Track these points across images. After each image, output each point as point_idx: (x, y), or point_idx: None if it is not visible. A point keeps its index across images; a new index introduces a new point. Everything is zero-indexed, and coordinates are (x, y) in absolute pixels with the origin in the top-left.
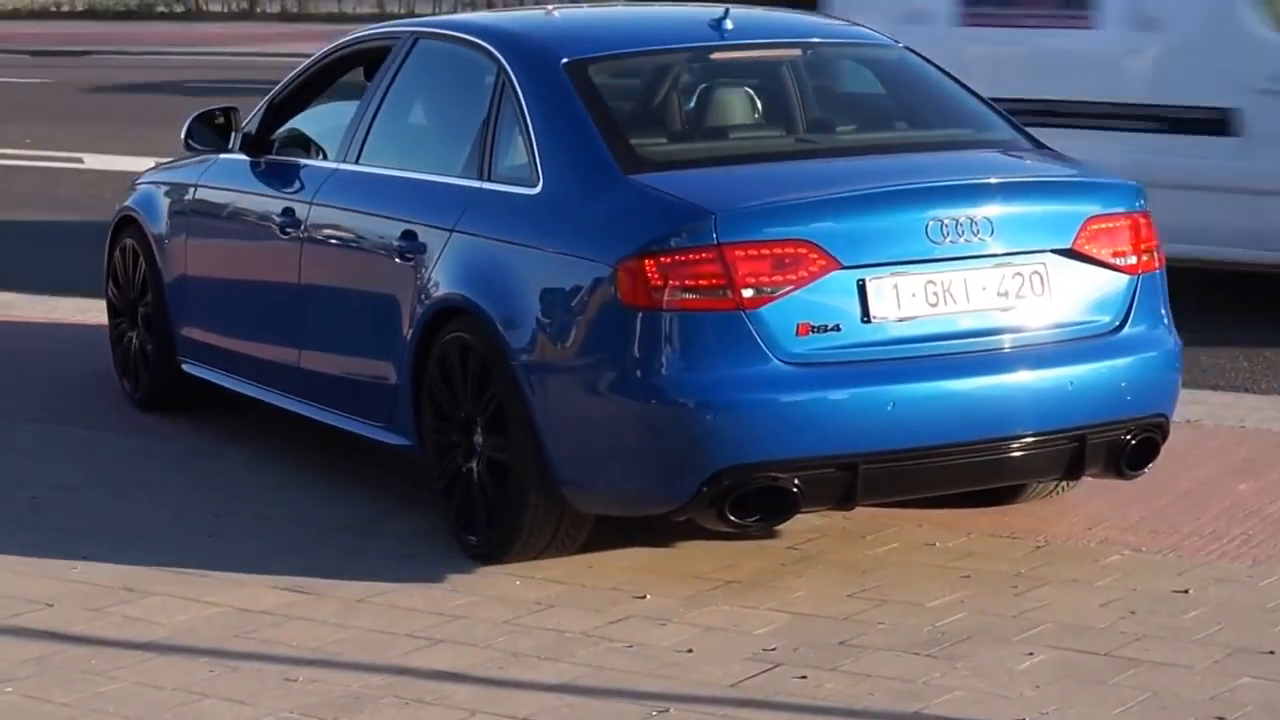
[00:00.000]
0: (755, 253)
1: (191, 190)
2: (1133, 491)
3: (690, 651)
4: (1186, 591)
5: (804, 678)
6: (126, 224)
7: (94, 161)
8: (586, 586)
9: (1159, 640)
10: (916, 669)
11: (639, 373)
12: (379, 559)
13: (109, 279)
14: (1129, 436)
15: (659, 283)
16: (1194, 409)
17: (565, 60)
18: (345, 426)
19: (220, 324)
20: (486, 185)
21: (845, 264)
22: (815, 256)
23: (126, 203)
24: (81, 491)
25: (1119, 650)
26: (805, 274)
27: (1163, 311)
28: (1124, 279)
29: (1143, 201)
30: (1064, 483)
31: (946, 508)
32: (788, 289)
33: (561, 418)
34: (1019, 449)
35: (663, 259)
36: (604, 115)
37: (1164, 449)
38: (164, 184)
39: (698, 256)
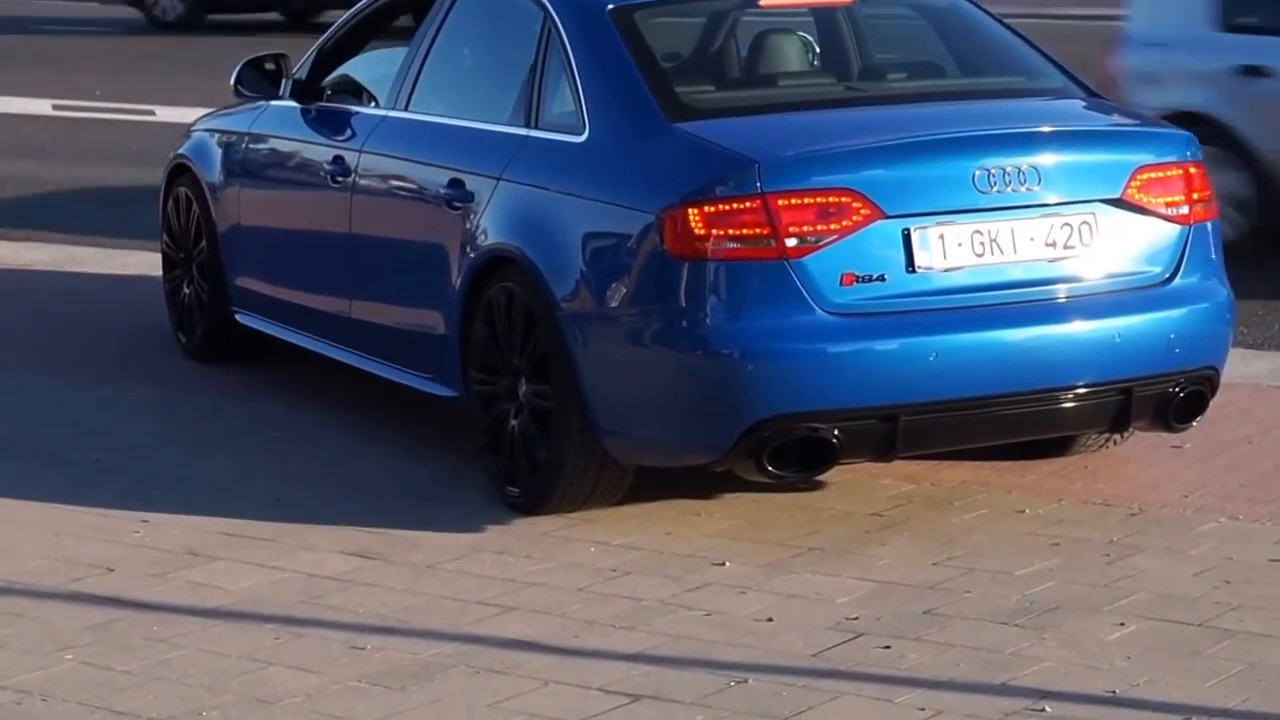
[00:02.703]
0: (799, 202)
1: (243, 137)
2: (1231, 459)
3: (770, 620)
4: None
5: (887, 648)
6: (180, 172)
7: (166, 114)
8: (664, 553)
9: (1254, 611)
10: (1004, 639)
11: (681, 322)
12: (451, 524)
13: (163, 230)
14: (1177, 389)
15: (703, 232)
16: None
17: (611, 6)
18: (394, 378)
19: (272, 273)
20: (534, 133)
21: (890, 213)
22: (860, 206)
23: (179, 150)
24: (147, 453)
25: (1213, 621)
26: (849, 223)
27: (1215, 263)
28: (1175, 229)
29: (1195, 150)
30: (1115, 436)
31: (1036, 473)
32: (832, 238)
33: (603, 367)
34: (1063, 401)
35: (707, 208)
36: (650, 62)
37: (1265, 414)
38: (216, 131)
39: (741, 205)
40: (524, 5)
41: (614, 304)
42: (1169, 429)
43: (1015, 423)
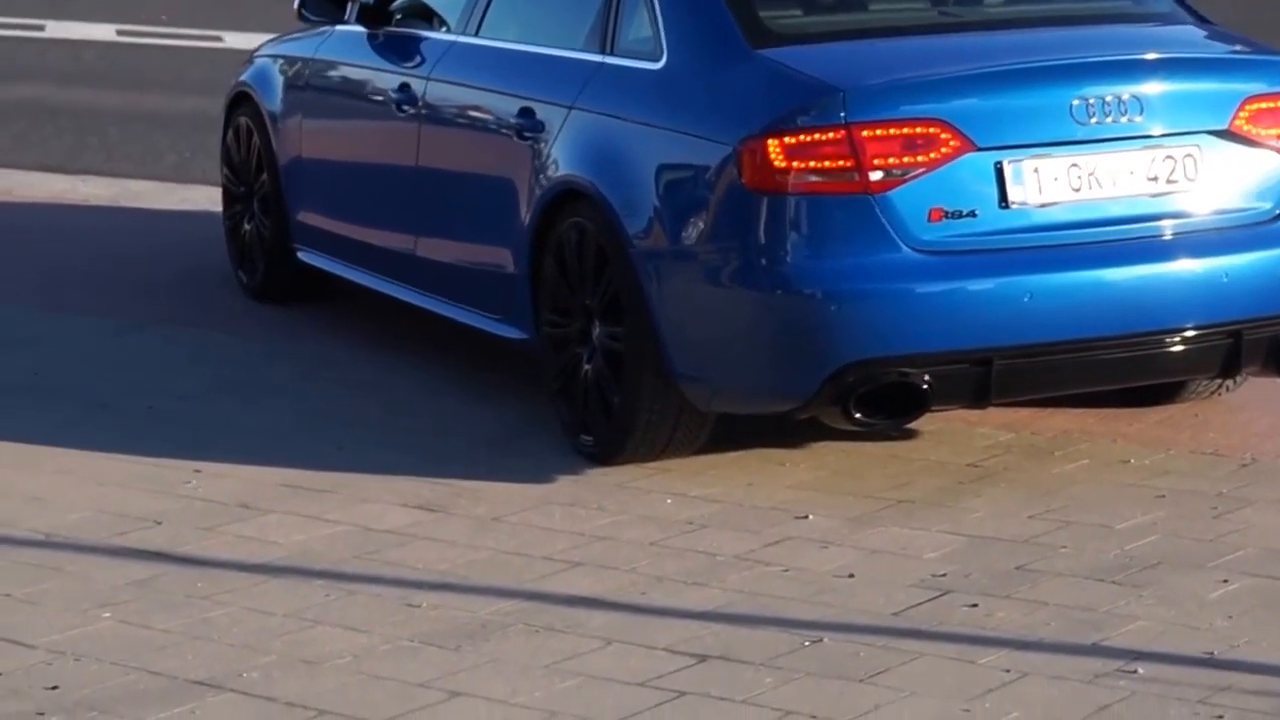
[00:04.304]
0: (885, 133)
1: (306, 64)
2: None
3: (851, 576)
4: None
5: (974, 606)
6: (241, 101)
7: (234, 40)
8: (744, 506)
9: None
10: (1099, 597)
11: (761, 260)
12: (520, 475)
13: (223, 162)
14: None
15: (784, 164)
16: None
17: None
18: (462, 319)
19: (335, 208)
20: (608, 59)
21: (981, 145)
22: (949, 137)
23: (241, 78)
24: (203, 400)
25: None
26: (938, 156)
27: None
28: None
29: None
30: (1227, 383)
31: (1143, 421)
32: (919, 172)
33: (679, 307)
34: (1169, 345)
35: (787, 139)
36: None
37: None
38: (279, 57)
39: (824, 136)
40: None
41: (690, 241)
42: None
43: (1117, 368)
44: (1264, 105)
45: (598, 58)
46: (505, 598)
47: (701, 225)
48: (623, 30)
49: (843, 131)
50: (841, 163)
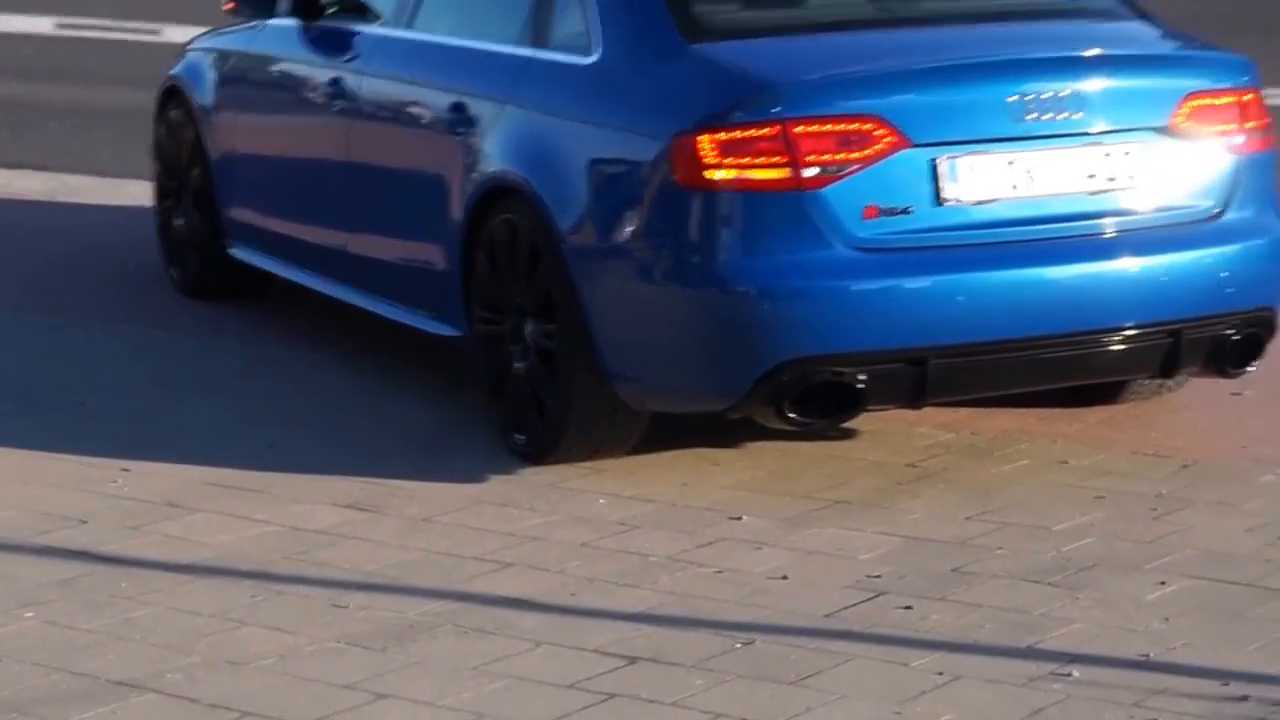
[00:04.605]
0: (819, 129)
1: (238, 58)
2: None
3: (785, 578)
4: None
5: (908, 608)
6: (172, 95)
7: (173, 33)
8: (678, 506)
9: None
10: (1035, 599)
11: (694, 257)
12: (452, 474)
13: (155, 157)
14: (1231, 332)
15: (717, 161)
16: None
17: None
18: (394, 317)
19: (267, 204)
20: (540, 53)
21: (916, 142)
22: (884, 133)
23: (172, 71)
24: (135, 397)
25: (1262, 580)
26: (873, 152)
27: (1271, 196)
28: (1227, 160)
29: (1251, 76)
30: (1168, 383)
31: (1083, 421)
32: (854, 168)
33: (611, 305)
34: (1107, 344)
35: (721, 135)
36: None
37: None
38: (211, 51)
39: (758, 132)
40: None
41: (623, 238)
42: (1223, 374)
43: (1055, 367)
44: (1204, 102)
45: (530, 52)
46: (434, 599)
47: (634, 222)
48: (555, 24)
49: (777, 127)
50: (775, 159)
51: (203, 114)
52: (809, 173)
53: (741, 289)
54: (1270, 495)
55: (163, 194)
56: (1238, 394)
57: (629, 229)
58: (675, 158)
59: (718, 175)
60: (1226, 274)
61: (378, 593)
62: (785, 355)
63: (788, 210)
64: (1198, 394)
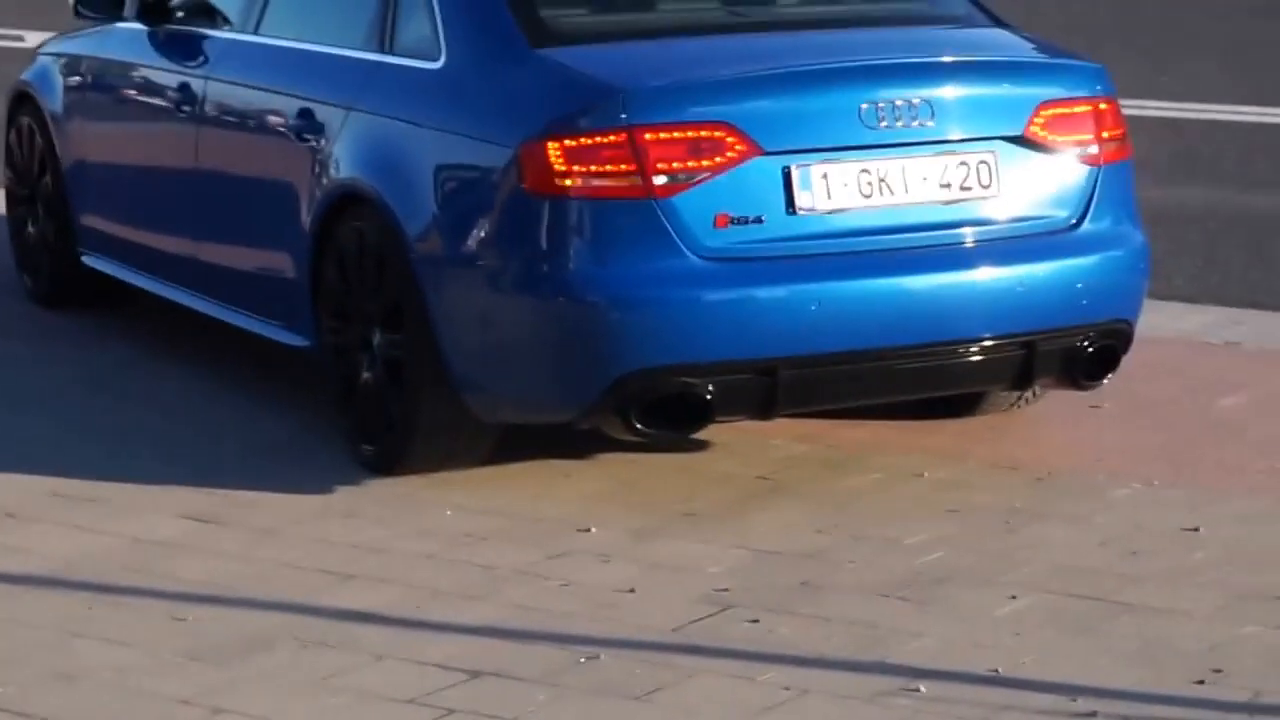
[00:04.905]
0: (668, 136)
1: (87, 62)
2: (1154, 420)
3: (632, 591)
4: (1197, 530)
5: (756, 621)
6: (23, 100)
7: (36, 39)
8: (527, 518)
9: (1159, 583)
10: (884, 613)
11: (542, 266)
12: (300, 485)
13: (6, 163)
14: (1085, 344)
15: (564, 168)
16: (1235, 330)
17: None
18: (245, 325)
19: (119, 212)
20: (387, 59)
21: (768, 150)
22: (735, 141)
23: (22, 76)
24: None
25: (1114, 594)
26: (723, 160)
27: (1128, 207)
28: (1083, 170)
29: (1107, 85)
30: (1026, 395)
31: (940, 434)
32: (704, 176)
33: (459, 315)
34: (960, 355)
35: (568, 142)
36: None
37: (1195, 371)
38: (61, 56)
39: (605, 139)
40: None
41: (470, 246)
42: (1077, 386)
43: (907, 378)
44: (1060, 111)
45: (376, 57)
46: (276, 611)
47: (482, 230)
48: (402, 28)
49: (624, 134)
50: (623, 166)
51: (53, 120)
52: (658, 181)
53: (589, 298)
54: (1123, 509)
55: (15, 201)
56: (1096, 406)
57: (477, 237)
58: (523, 165)
59: (566, 183)
60: (1082, 285)
61: (218, 605)
62: (632, 365)
63: (636, 219)
64: (1056, 406)
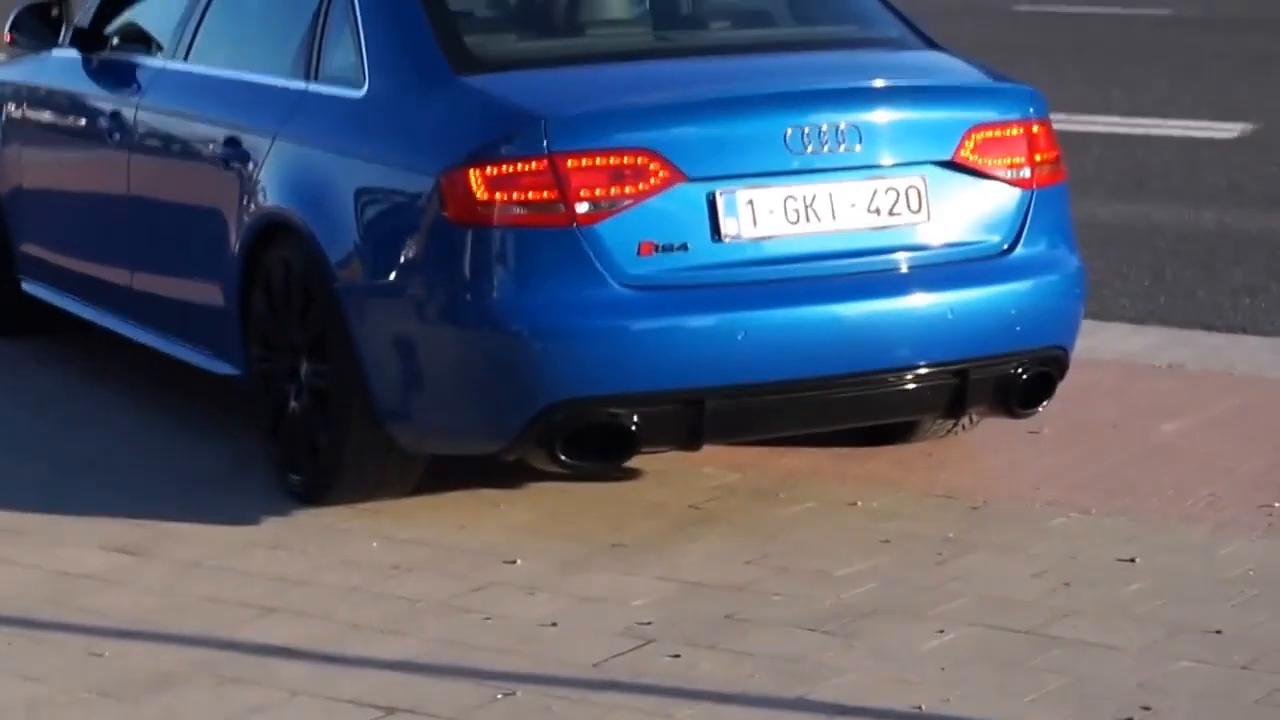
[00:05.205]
0: (590, 163)
1: (23, 90)
2: (1092, 445)
3: (555, 625)
4: (1133, 560)
5: (677, 656)
6: None
7: None
8: (453, 549)
9: (1092, 616)
10: (808, 647)
11: (465, 296)
12: (227, 516)
13: None
14: (1019, 371)
15: (486, 196)
16: (1179, 351)
17: None
18: (177, 354)
19: (56, 239)
20: (312, 86)
21: (692, 176)
22: (658, 167)
23: None
24: None
25: (1044, 628)
26: (646, 187)
27: (1063, 231)
28: (1015, 194)
29: (1039, 108)
30: (963, 421)
31: (876, 461)
32: (627, 204)
33: (383, 344)
34: (891, 384)
35: (489, 169)
36: (439, 7)
37: (1135, 395)
38: None
39: (526, 167)
40: None
41: (394, 276)
42: (1012, 414)
43: (837, 409)
44: (990, 134)
45: (302, 84)
46: (194, 646)
47: (405, 259)
48: (327, 55)
49: (545, 161)
50: (545, 194)
51: None
52: (581, 208)
53: (513, 328)
54: (1058, 539)
55: None
56: (1035, 432)
57: (400, 266)
58: (445, 193)
59: (488, 211)
60: (1015, 311)
61: (137, 640)
62: (556, 396)
63: (559, 247)
64: (994, 432)
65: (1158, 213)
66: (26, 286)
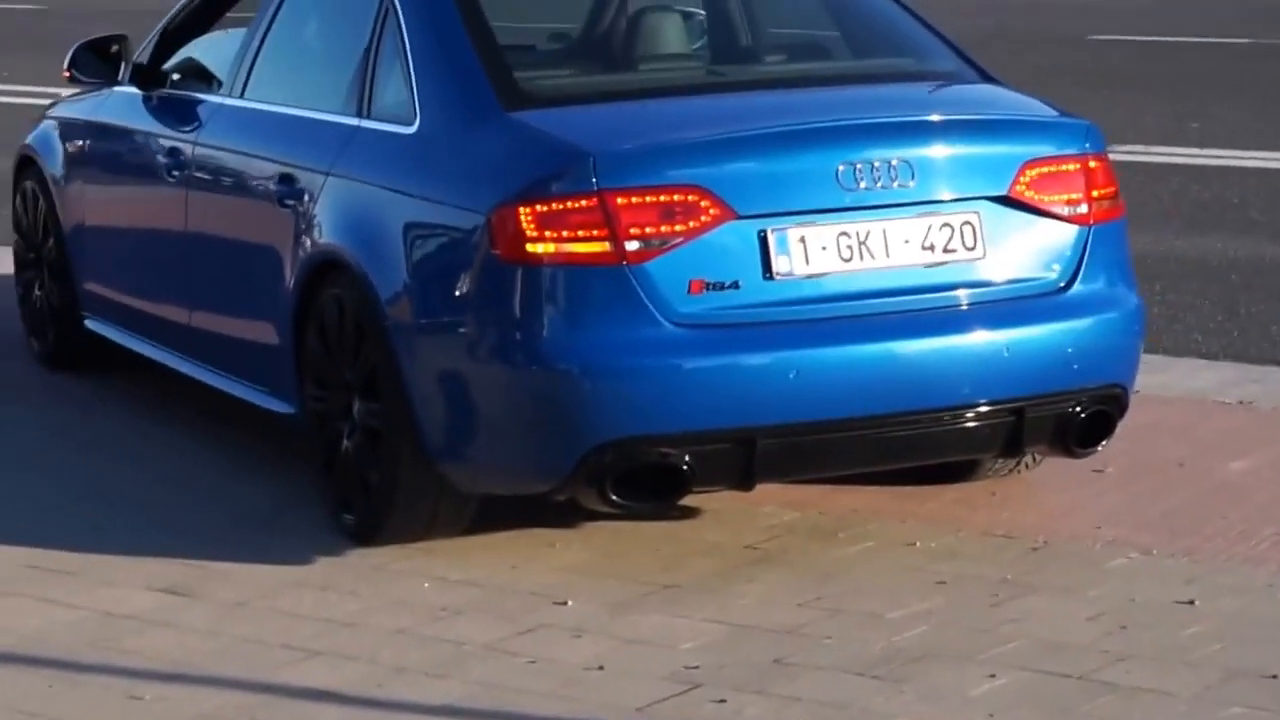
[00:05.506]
0: (640, 200)
1: (84, 127)
2: (1157, 484)
3: (601, 669)
4: (1192, 603)
5: (723, 701)
6: (27, 164)
7: None
8: (505, 590)
9: (1146, 660)
10: (856, 692)
11: (514, 334)
12: (277, 555)
13: (14, 227)
14: (1077, 409)
15: (535, 234)
16: (1251, 388)
17: None
18: (233, 392)
19: (117, 276)
20: (364, 123)
21: (743, 213)
22: (708, 205)
23: (26, 140)
24: None
25: (1097, 672)
26: (697, 224)
27: (1121, 267)
28: (1072, 230)
29: (1096, 142)
30: (1026, 460)
31: (938, 500)
32: (678, 241)
33: (434, 383)
34: (945, 423)
35: (539, 207)
36: (489, 42)
37: (1204, 432)
38: (61, 120)
39: (576, 204)
40: None
41: (444, 314)
42: (1071, 454)
43: (891, 447)
44: (1046, 170)
45: (354, 121)
46: (235, 689)
47: (455, 298)
48: (379, 92)
49: (595, 199)
50: (595, 232)
51: (54, 184)
52: (631, 246)
53: (562, 366)
54: (1117, 580)
55: (22, 265)
56: (1100, 470)
57: (450, 305)
58: (495, 231)
59: (538, 249)
60: (1072, 349)
61: (177, 683)
62: (606, 435)
63: (609, 285)
64: (1058, 471)
65: (1234, 246)
66: (89, 323)
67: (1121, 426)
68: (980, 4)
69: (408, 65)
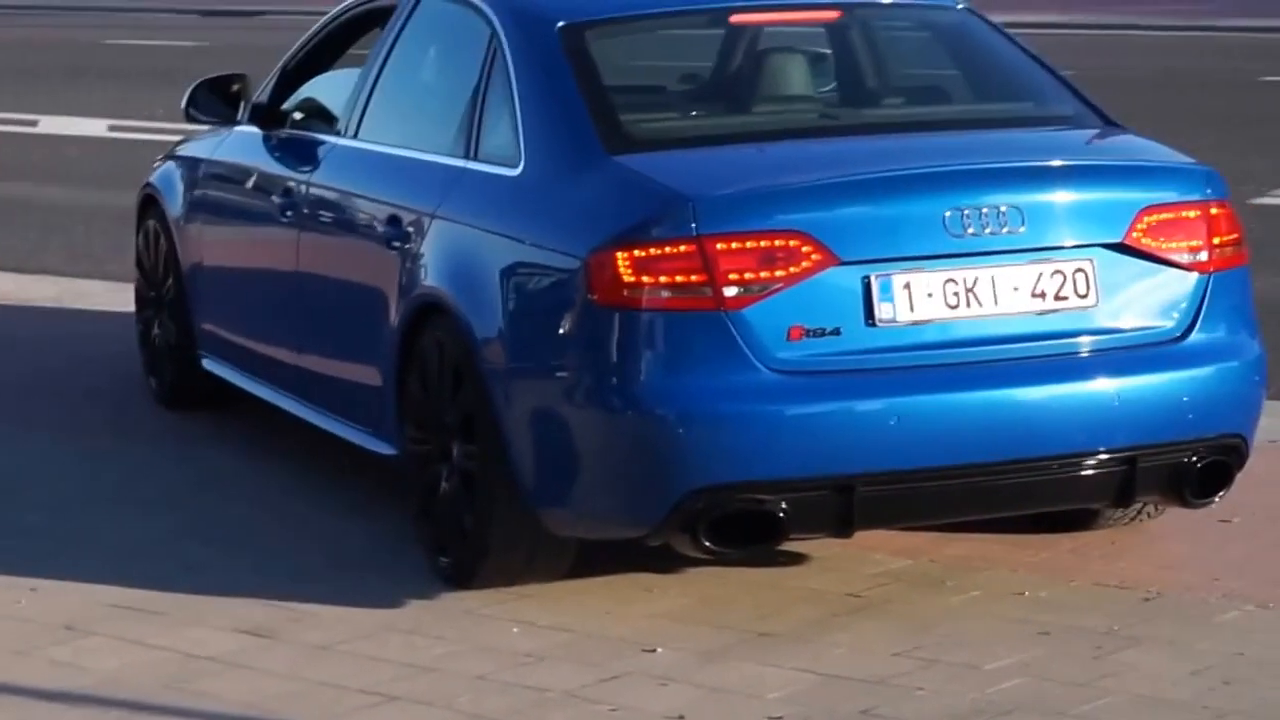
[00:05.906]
0: (739, 245)
1: (204, 166)
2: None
3: (682, 718)
4: None
5: None
6: (149, 204)
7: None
8: (594, 636)
9: (1246, 717)
10: None
11: (611, 379)
12: (369, 598)
13: (137, 266)
14: (1193, 459)
15: (633, 279)
16: None
17: (562, 23)
18: (338, 432)
19: (232, 316)
20: (471, 165)
21: (845, 259)
22: (809, 250)
23: (149, 180)
24: (77, 512)
25: None
26: (798, 270)
27: (1243, 316)
28: (1191, 278)
29: (1215, 188)
30: (1147, 509)
31: (1052, 549)
32: (777, 287)
33: (526, 426)
34: (1051, 472)
35: (637, 251)
36: (595, 86)
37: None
38: (182, 159)
39: (674, 249)
40: (473, 20)
41: (540, 358)
42: (1187, 504)
43: (994, 496)
44: (1164, 216)
45: (461, 163)
46: None
47: (552, 342)
48: (486, 133)
49: (693, 244)
50: (693, 277)
51: (175, 223)
52: (729, 291)
53: (658, 412)
54: (1227, 634)
55: (142, 303)
56: (1226, 521)
57: (546, 349)
58: (592, 275)
59: (635, 294)
60: (1188, 399)
61: None
62: (700, 481)
63: (707, 331)
64: (1181, 521)
65: None
66: (206, 363)
67: (1259, 476)
68: (1148, 45)
69: (514, 107)
